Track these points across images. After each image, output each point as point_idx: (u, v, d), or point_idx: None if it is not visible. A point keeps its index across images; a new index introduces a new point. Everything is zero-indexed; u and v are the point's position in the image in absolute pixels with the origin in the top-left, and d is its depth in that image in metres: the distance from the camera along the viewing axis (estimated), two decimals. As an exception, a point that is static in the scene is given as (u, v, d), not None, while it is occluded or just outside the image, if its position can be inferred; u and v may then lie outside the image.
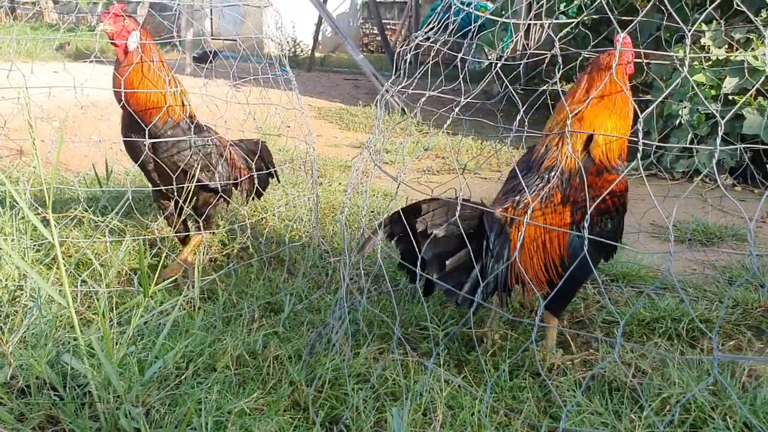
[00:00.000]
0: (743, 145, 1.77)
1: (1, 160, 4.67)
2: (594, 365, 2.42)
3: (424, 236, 2.11)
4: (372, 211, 4.08)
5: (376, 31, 16.81)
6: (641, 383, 2.26)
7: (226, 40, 11.42)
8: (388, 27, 16.58)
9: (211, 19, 15.35)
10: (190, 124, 2.91)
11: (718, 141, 1.57)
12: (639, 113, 1.72)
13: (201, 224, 2.99)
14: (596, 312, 2.87)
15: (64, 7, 18.91)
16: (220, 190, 3.01)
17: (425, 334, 2.59)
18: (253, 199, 3.42)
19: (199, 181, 2.91)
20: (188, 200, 2.86)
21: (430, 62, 2.49)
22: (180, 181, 2.85)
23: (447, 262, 2.14)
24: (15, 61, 2.78)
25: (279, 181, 3.70)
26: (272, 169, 3.49)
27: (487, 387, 2.12)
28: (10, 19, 15.27)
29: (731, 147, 1.69)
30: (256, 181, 3.33)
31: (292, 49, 14.81)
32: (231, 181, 3.11)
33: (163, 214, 3.03)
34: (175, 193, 2.88)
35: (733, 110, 2.07)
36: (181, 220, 3.01)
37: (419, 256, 2.09)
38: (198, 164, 2.90)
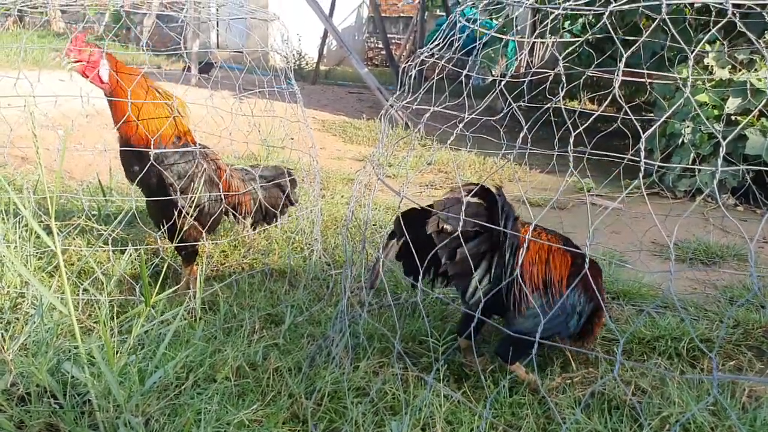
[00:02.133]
0: (745, 166, 1.78)
1: (6, 168, 4.69)
2: (593, 383, 2.41)
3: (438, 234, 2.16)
4: (374, 225, 4.09)
5: (381, 46, 16.90)
6: (641, 402, 2.26)
7: (233, 52, 11.49)
8: (393, 41, 16.67)
9: (218, 31, 15.44)
10: (176, 144, 2.86)
11: (719, 161, 1.58)
12: (641, 132, 1.73)
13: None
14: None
15: (72, 17, 19.03)
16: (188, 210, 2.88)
17: (425, 348, 2.59)
18: (263, 226, 3.37)
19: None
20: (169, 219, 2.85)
21: (435, 78, 2.51)
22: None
23: (458, 252, 2.16)
24: (22, 69, 2.81)
25: (293, 204, 3.54)
26: (290, 201, 3.40)
27: (487, 403, 2.12)
28: (19, 27, 15.38)
29: (734, 168, 1.70)
30: (262, 209, 3.25)
31: (297, 62, 14.89)
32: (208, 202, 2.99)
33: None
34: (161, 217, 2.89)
35: (736, 131, 2.08)
36: (177, 236, 2.96)
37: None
38: (174, 185, 2.83)
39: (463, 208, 2.14)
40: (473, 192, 2.24)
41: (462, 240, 2.14)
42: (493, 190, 2.26)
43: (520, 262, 2.21)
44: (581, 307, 2.34)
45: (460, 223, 2.12)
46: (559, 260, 2.35)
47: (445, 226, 2.16)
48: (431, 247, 2.19)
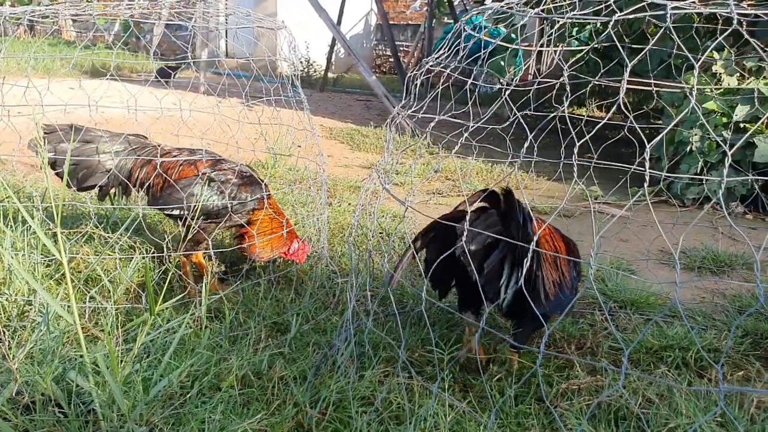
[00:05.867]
0: (753, 177, 1.77)
1: (16, 176, 4.72)
2: (600, 391, 2.39)
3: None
4: (380, 233, 4.09)
5: (389, 53, 16.93)
6: (647, 412, 2.24)
7: (241, 59, 11.55)
8: (401, 49, 16.70)
9: (226, 40, 15.52)
10: None
11: (725, 171, 1.57)
12: (646, 141, 1.72)
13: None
14: (603, 339, 2.85)
15: (82, 25, 19.20)
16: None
17: (431, 357, 2.58)
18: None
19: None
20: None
21: (440, 87, 2.51)
22: None
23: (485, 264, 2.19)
24: (32, 77, 2.83)
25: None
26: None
27: (492, 412, 2.11)
28: (30, 36, 15.51)
29: (742, 178, 1.69)
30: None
31: (306, 70, 14.94)
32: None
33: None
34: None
35: (744, 138, 2.07)
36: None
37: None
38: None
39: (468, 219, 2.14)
40: (487, 199, 2.27)
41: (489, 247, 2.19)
42: (499, 192, 2.27)
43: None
44: (576, 282, 2.48)
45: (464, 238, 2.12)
46: (558, 242, 2.47)
47: (471, 248, 2.16)
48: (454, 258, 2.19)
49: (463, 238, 2.10)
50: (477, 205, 2.33)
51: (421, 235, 2.40)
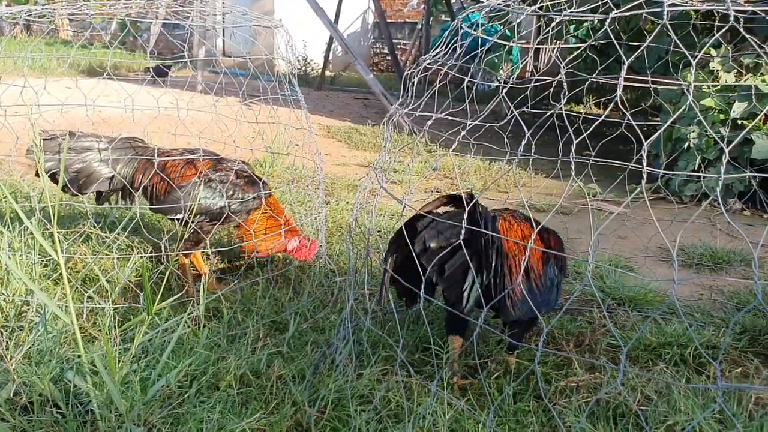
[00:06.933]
0: (750, 174, 1.77)
1: (13, 176, 4.71)
2: (598, 388, 2.39)
3: (424, 252, 2.16)
4: (378, 231, 4.09)
5: (386, 51, 16.92)
6: (646, 409, 2.24)
7: (238, 58, 11.54)
8: (399, 47, 16.68)
9: (223, 39, 15.51)
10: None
11: (723, 168, 1.56)
12: (643, 138, 1.72)
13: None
14: (601, 336, 2.85)
15: (79, 24, 19.16)
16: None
17: (429, 356, 2.58)
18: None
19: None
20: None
21: (437, 85, 2.50)
22: None
23: (446, 266, 2.17)
24: (28, 77, 2.83)
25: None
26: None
27: (491, 411, 2.11)
28: (26, 35, 15.48)
29: (740, 175, 1.69)
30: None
31: (303, 68, 14.92)
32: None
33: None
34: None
35: (741, 135, 2.07)
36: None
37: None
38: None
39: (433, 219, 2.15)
40: (449, 202, 2.27)
41: (449, 252, 2.16)
42: (465, 196, 2.25)
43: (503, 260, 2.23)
44: (558, 279, 2.42)
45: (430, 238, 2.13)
46: (531, 240, 2.43)
47: (431, 245, 2.16)
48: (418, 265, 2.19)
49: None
50: (443, 209, 2.32)
51: (390, 244, 2.37)
